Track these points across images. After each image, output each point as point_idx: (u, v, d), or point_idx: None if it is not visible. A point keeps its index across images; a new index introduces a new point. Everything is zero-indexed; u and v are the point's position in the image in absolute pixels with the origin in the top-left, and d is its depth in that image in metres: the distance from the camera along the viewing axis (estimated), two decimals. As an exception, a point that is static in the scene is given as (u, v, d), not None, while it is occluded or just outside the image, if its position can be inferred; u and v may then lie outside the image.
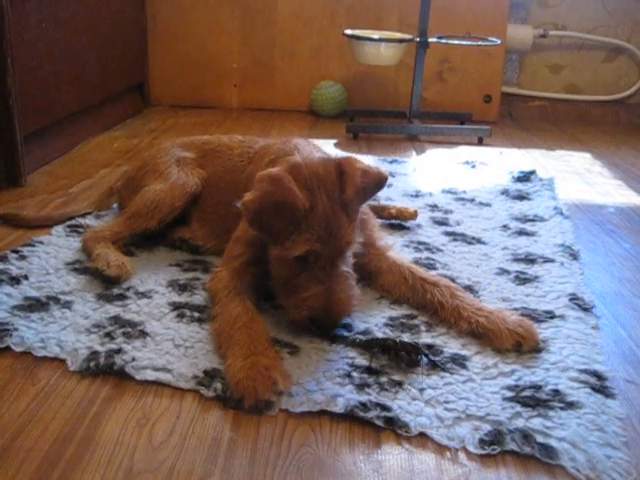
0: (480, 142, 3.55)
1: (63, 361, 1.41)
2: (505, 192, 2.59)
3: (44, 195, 2.45)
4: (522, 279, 1.83)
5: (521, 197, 2.53)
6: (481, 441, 1.19)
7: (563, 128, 4.11)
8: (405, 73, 3.99)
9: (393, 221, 2.21)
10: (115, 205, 2.22)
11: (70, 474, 1.10)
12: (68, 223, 2.10)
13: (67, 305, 1.60)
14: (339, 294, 1.47)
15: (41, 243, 1.94)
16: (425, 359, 1.40)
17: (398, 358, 1.40)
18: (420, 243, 2.07)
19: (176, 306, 1.62)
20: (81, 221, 2.12)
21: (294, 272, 1.49)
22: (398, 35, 3.67)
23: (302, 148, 1.70)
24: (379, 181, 1.57)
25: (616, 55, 4.35)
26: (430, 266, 1.89)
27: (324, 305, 1.46)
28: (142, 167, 2.07)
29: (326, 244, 1.45)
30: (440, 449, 1.19)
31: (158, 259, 1.91)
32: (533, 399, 1.29)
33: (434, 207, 2.41)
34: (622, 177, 3.02)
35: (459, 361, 1.42)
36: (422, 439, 1.21)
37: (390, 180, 1.59)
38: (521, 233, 2.17)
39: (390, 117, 3.97)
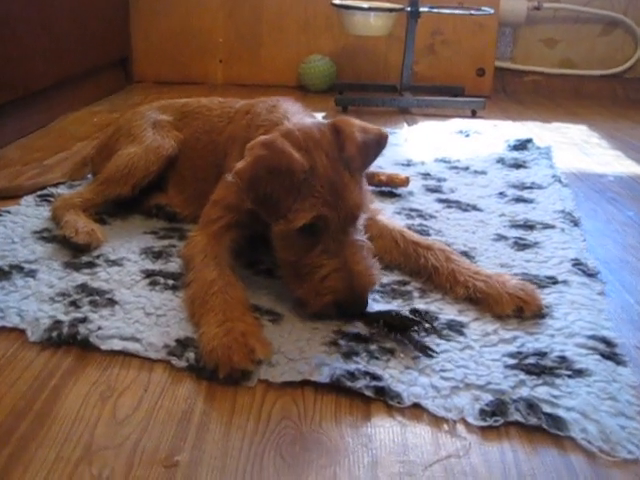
0: (474, 115, 3.44)
1: (23, 331, 1.29)
2: (501, 160, 2.47)
3: (17, 167, 2.35)
4: (521, 245, 1.71)
5: (517, 165, 2.41)
6: (482, 412, 1.08)
7: (558, 102, 3.99)
8: (396, 45, 3.85)
9: (383, 188, 2.09)
10: (90, 176, 2.09)
11: (22, 451, 0.99)
12: (39, 193, 1.99)
13: (31, 274, 1.49)
14: (358, 266, 1.31)
15: (8, 212, 1.84)
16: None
17: (404, 340, 1.25)
18: (412, 210, 1.95)
19: (149, 274, 1.50)
20: (53, 191, 2.01)
21: (303, 249, 1.32)
22: (388, 5, 3.54)
23: (292, 115, 1.56)
24: (379, 138, 1.43)
25: (612, 29, 4.22)
26: (423, 232, 1.77)
27: (348, 284, 1.29)
28: (116, 132, 1.95)
29: (334, 208, 1.29)
30: (436, 421, 1.08)
31: (132, 227, 1.79)
32: (538, 367, 1.18)
33: (426, 175, 2.29)
34: (620, 148, 2.91)
35: (456, 327, 1.31)
36: (416, 410, 1.10)
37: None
38: (519, 200, 2.05)
39: (381, 91, 3.83)
